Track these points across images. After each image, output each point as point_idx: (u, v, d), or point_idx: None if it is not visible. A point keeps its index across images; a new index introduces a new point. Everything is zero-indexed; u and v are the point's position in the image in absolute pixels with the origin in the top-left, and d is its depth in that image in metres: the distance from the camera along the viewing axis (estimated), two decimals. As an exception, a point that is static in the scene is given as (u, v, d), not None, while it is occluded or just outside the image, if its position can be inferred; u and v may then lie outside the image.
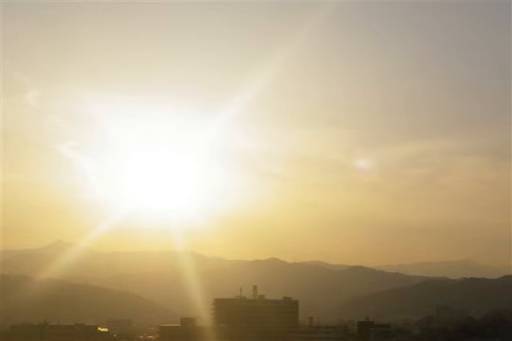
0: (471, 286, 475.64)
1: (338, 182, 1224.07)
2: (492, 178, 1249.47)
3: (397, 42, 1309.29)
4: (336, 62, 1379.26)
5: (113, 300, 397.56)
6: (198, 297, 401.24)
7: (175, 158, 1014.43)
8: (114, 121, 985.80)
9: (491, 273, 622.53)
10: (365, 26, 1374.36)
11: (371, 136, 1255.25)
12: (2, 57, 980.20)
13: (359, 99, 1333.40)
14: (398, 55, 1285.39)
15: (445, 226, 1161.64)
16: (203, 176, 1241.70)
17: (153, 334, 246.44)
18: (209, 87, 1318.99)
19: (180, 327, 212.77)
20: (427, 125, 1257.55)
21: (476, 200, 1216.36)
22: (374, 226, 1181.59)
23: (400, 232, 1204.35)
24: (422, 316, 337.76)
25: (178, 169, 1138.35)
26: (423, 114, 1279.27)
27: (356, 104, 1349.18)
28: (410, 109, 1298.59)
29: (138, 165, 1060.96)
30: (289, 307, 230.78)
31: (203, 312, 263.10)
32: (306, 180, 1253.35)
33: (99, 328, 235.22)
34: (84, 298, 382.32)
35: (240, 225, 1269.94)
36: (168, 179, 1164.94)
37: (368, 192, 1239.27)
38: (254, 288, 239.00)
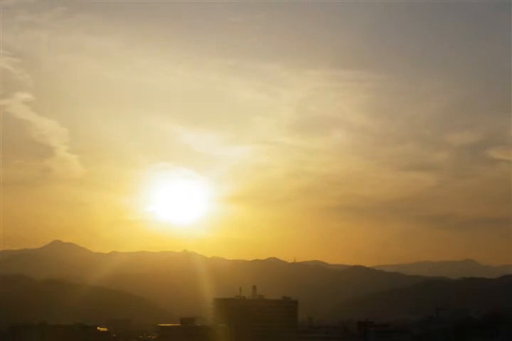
0: (471, 286, 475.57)
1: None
2: None
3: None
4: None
5: (113, 300, 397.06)
6: (198, 297, 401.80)
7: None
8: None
9: (490, 273, 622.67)
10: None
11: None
12: None
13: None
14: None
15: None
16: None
17: (153, 334, 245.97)
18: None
19: (180, 327, 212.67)
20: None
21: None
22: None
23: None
24: (421, 316, 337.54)
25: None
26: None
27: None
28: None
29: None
30: (288, 307, 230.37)
31: (202, 312, 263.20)
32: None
33: (98, 328, 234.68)
34: (83, 298, 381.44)
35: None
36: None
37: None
38: (254, 287, 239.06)
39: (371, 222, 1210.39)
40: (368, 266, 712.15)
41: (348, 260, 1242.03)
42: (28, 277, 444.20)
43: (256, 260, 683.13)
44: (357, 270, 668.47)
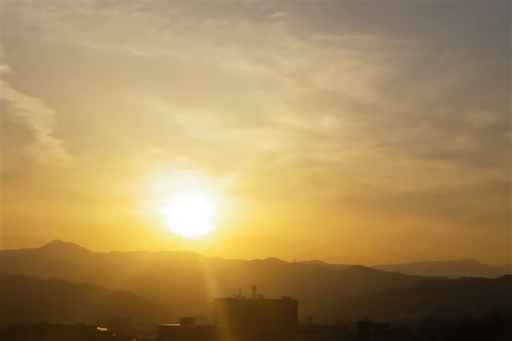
0: (471, 286, 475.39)
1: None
2: None
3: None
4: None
5: (113, 300, 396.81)
6: (198, 297, 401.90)
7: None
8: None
9: (490, 273, 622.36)
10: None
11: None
12: None
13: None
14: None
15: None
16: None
17: (153, 334, 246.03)
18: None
19: (180, 327, 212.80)
20: None
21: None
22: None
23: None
24: (421, 316, 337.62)
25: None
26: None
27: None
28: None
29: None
30: (288, 306, 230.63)
31: (202, 312, 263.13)
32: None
33: (98, 328, 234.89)
34: (83, 298, 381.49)
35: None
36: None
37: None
38: (254, 287, 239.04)
39: (378, 217, 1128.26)
40: (367, 265, 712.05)
41: (348, 260, 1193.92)
42: (28, 277, 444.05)
43: (256, 260, 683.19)
44: (357, 270, 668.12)
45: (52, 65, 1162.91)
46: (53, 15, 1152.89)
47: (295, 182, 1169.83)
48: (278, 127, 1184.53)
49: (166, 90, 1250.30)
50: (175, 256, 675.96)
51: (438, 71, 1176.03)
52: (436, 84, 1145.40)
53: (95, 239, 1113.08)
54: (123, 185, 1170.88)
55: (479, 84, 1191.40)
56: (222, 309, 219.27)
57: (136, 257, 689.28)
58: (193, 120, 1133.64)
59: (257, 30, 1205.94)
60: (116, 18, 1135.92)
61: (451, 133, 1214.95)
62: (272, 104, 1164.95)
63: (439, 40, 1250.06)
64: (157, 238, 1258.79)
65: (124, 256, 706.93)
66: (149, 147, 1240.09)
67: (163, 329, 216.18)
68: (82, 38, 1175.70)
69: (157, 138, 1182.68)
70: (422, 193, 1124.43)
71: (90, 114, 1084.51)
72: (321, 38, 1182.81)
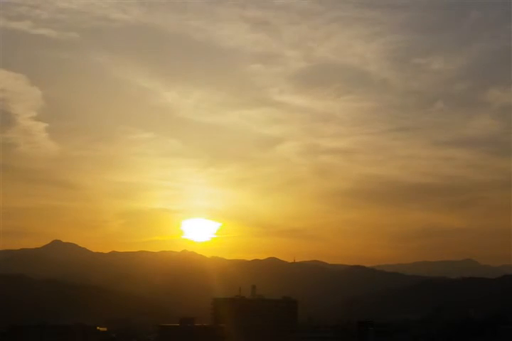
0: (471, 286, 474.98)
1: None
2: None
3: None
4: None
5: (112, 300, 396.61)
6: (198, 297, 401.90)
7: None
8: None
9: (490, 273, 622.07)
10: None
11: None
12: None
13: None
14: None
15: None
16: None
17: (153, 334, 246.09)
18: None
19: (180, 327, 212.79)
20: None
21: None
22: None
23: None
24: (421, 316, 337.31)
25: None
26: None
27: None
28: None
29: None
30: (288, 306, 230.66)
31: (202, 312, 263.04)
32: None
33: (98, 328, 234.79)
34: (83, 298, 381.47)
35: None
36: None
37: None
38: (254, 287, 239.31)
39: (385, 213, 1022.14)
40: (367, 265, 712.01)
41: (348, 260, 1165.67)
42: (28, 277, 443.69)
43: (256, 260, 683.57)
44: (357, 270, 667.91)
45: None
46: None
47: (299, 172, 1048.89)
48: (279, 107, 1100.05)
49: (150, 64, 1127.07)
50: (174, 256, 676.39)
51: (461, 40, 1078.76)
52: (457, 56, 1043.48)
53: (95, 239, 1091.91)
54: (115, 176, 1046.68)
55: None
56: (222, 309, 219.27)
57: (136, 257, 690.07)
58: (182, 98, 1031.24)
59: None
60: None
61: (469, 113, 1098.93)
62: (272, 78, 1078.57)
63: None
64: (158, 239, 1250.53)
65: (124, 256, 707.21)
66: (136, 130, 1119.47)
67: (163, 330, 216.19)
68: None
69: (144, 120, 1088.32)
70: (435, 185, 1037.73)
71: (70, 92, 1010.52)
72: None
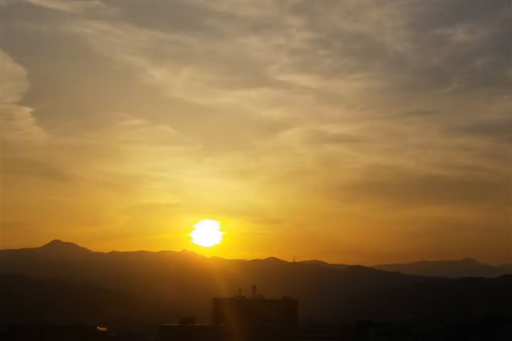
0: (471, 286, 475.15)
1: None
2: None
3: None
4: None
5: (112, 300, 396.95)
6: (198, 296, 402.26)
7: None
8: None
9: (490, 273, 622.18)
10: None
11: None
12: None
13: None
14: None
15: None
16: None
17: (153, 334, 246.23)
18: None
19: (180, 327, 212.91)
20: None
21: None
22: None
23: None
24: (421, 316, 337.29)
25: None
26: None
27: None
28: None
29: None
30: (288, 306, 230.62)
31: (202, 311, 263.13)
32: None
33: (98, 328, 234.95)
34: (83, 298, 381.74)
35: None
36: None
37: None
38: (254, 287, 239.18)
39: (393, 208, 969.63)
40: (367, 265, 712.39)
41: (348, 260, 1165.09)
42: (28, 277, 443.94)
43: (256, 260, 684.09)
44: (356, 270, 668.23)
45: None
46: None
47: (303, 162, 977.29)
48: (280, 87, 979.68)
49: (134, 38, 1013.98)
50: (174, 256, 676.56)
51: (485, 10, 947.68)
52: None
53: (95, 239, 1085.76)
54: (108, 166, 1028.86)
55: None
56: (222, 309, 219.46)
57: (136, 257, 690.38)
58: (172, 76, 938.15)
59: None
60: None
61: (488, 95, 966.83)
62: (272, 53, 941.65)
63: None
64: (157, 238, 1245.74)
65: (124, 256, 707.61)
66: (126, 115, 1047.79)
67: (163, 329, 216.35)
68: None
69: (133, 104, 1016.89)
70: (450, 177, 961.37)
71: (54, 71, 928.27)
72: None
